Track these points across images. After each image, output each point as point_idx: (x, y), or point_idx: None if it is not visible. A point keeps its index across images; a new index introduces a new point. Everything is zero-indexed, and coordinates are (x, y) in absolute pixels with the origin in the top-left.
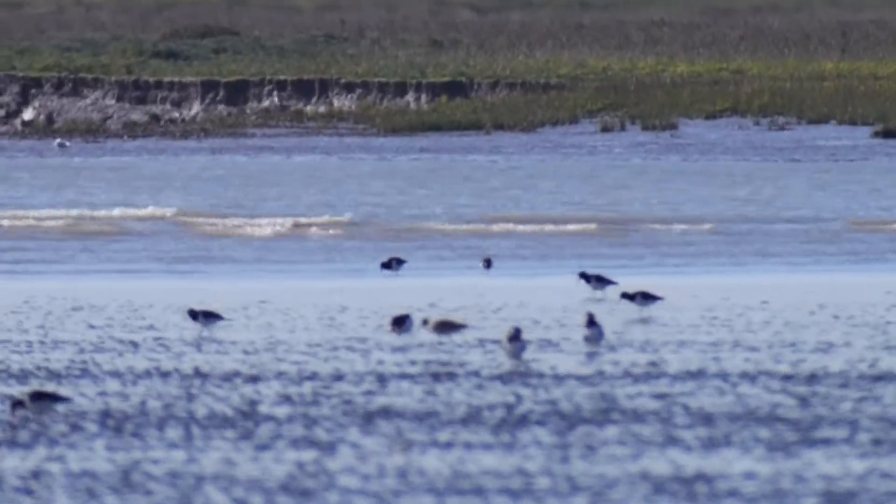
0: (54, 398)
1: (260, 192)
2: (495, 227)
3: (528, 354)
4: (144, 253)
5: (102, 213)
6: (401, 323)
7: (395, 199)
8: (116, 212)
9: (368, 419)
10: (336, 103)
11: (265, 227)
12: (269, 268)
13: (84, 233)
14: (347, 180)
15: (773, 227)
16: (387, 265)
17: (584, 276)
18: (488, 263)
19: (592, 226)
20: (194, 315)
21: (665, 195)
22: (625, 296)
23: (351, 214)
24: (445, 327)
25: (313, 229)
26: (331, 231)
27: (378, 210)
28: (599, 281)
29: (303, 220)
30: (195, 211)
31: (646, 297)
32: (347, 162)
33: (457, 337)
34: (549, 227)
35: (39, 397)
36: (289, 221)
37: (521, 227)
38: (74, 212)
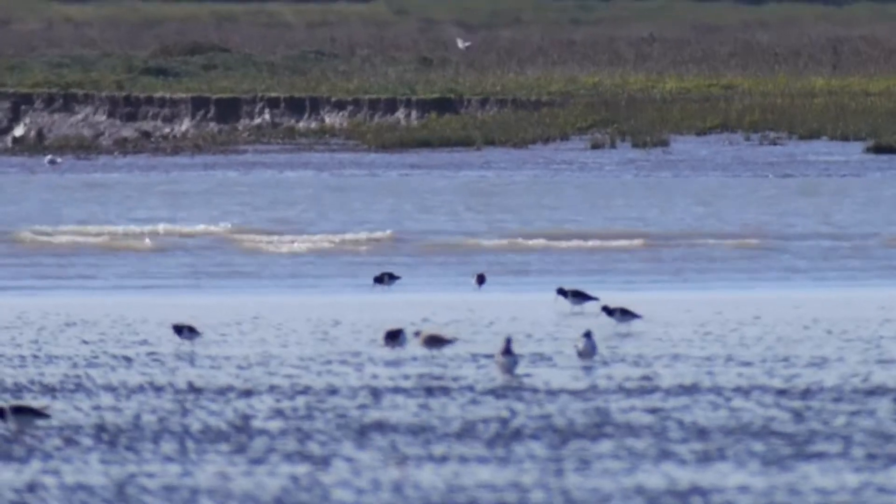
0: (36, 413)
1: (298, 208)
2: (533, 243)
3: (521, 368)
4: (184, 269)
5: (149, 228)
6: (394, 337)
7: (427, 216)
8: (161, 227)
9: (362, 433)
10: (327, 120)
11: (305, 242)
12: (306, 283)
13: (125, 249)
14: (372, 197)
15: (819, 243)
16: (379, 280)
17: (561, 291)
18: (481, 280)
19: (639, 241)
20: (179, 330)
21: (696, 211)
22: (605, 309)
23: (391, 230)
24: (434, 342)
25: (353, 245)
26: (371, 247)
27: (416, 226)
28: (577, 296)
29: (344, 236)
30: (245, 227)
31: (624, 314)
32: (370, 180)
33: (449, 351)
34: (594, 243)
35: (21, 411)
36: (330, 238)
37: (564, 244)
38: (120, 228)
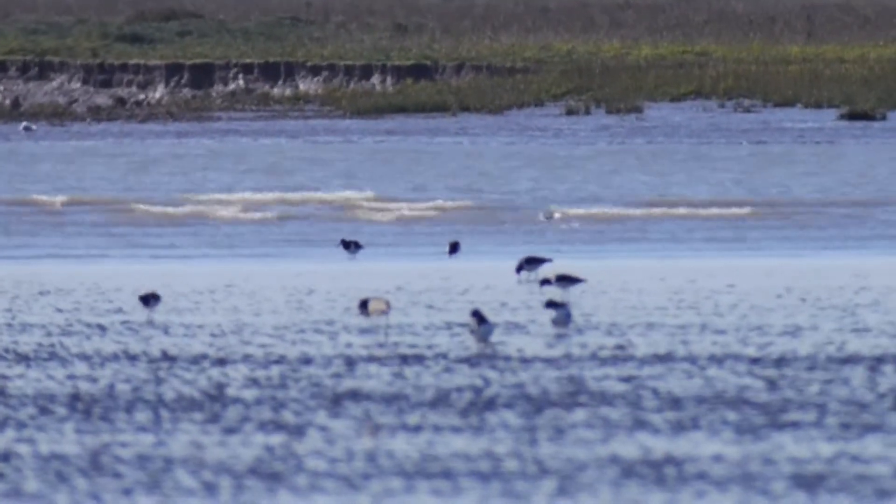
0: None
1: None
2: (638, 212)
3: (495, 337)
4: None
5: (300, 195)
6: (368, 305)
7: (517, 184)
8: (299, 195)
9: (337, 402)
10: (302, 86)
11: (398, 211)
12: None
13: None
14: (449, 163)
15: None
16: (346, 245)
17: (520, 268)
18: (454, 248)
19: (747, 209)
20: (146, 300)
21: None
22: (544, 282)
23: (484, 199)
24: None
25: (450, 213)
26: (468, 214)
27: (508, 195)
28: (531, 262)
29: (439, 203)
30: (386, 196)
31: (562, 280)
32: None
33: (423, 319)
34: (702, 211)
35: None
36: (421, 206)
37: (673, 211)
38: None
